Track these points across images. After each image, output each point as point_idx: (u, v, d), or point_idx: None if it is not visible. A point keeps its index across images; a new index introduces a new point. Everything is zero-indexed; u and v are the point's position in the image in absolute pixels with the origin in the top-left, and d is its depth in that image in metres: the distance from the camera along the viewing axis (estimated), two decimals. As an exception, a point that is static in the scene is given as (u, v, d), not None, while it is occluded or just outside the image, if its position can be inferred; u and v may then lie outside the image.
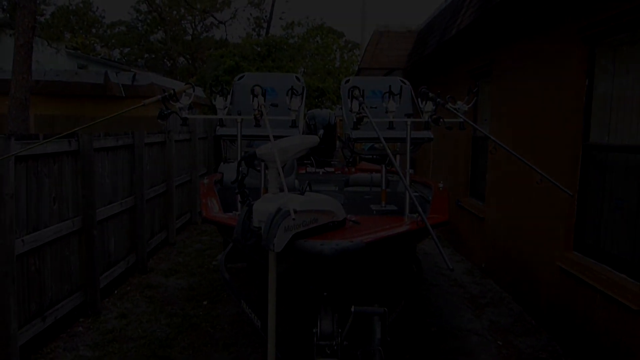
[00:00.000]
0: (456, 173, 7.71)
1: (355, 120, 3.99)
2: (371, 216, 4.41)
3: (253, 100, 3.90)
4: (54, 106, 9.94)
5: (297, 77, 5.17)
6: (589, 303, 4.05)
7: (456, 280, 6.19)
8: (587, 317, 4.08)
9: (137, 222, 6.21)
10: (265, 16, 28.39)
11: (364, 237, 2.96)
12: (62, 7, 20.00)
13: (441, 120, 3.95)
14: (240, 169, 3.33)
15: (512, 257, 5.64)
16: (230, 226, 3.42)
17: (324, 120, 7.85)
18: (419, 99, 4.21)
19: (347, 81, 5.17)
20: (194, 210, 9.11)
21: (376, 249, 3.09)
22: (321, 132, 7.46)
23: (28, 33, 6.93)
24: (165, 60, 30.87)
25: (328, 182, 6.29)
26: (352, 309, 2.82)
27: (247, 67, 17.22)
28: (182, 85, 4.29)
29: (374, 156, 5.53)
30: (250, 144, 5.09)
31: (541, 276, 4.89)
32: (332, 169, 7.09)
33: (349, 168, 7.01)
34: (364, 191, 5.68)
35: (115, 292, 5.58)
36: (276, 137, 3.24)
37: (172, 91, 4.02)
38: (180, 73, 28.12)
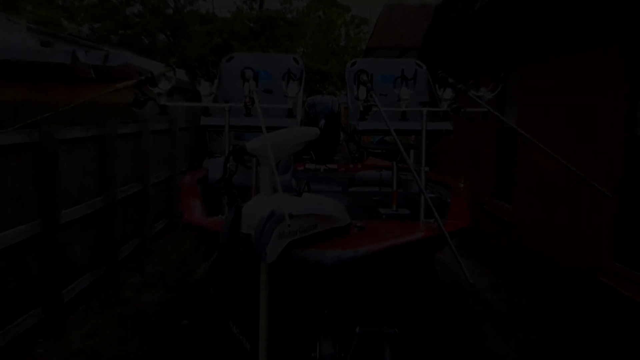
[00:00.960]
0: (479, 171, 7.70)
1: (362, 109, 3.98)
2: (380, 221, 4.41)
3: (243, 85, 3.89)
4: (12, 90, 9.92)
5: (295, 59, 5.17)
6: (634, 322, 4.04)
7: (479, 296, 6.19)
8: (633, 339, 4.06)
9: (107, 226, 6.21)
10: (259, -14, 28.41)
11: (371, 245, 2.96)
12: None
13: (462, 110, 3.95)
14: (228, 165, 3.32)
15: (545, 269, 5.63)
16: (215, 232, 3.42)
17: (325, 109, 7.83)
18: (437, 85, 4.20)
19: (354, 64, 5.17)
20: (173, 212, 9.11)
21: (385, 259, 3.08)
22: (322, 122, 7.45)
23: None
24: (142, 37, 30.86)
25: (330, 181, 6.28)
26: (357, 330, 2.82)
27: (237, 46, 17.23)
28: (162, 67, 4.28)
29: (384, 151, 5.52)
30: (240, 137, 5.08)
31: (579, 291, 4.88)
32: (335, 166, 7.09)
33: (354, 165, 7.00)
34: (372, 192, 5.67)
35: (81, 308, 5.58)
36: (270, 129, 3.23)
37: (149, 74, 4.01)
38: (159, 52, 28.13)
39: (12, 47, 10.79)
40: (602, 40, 4.70)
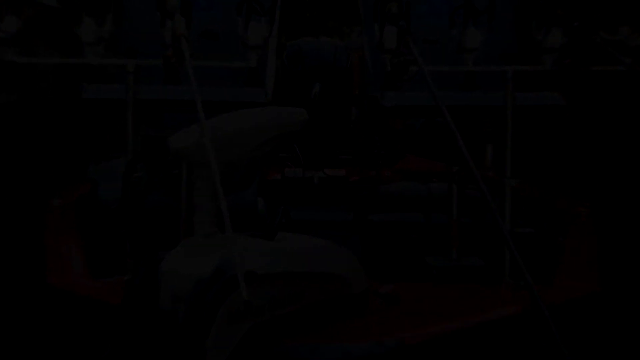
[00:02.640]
0: (620, 181, 7.73)
1: (390, 68, 4.00)
2: (427, 283, 4.42)
3: (163, 26, 3.92)
4: None
5: None
6: None
7: None
8: None
9: None
10: None
11: (407, 333, 2.98)
12: None
13: (583, 67, 3.97)
14: (134, 176, 3.33)
15: None
16: (107, 306, 3.43)
17: (322, 64, 7.82)
18: (534, 23, 4.23)
19: None
20: (31, 266, 9.13)
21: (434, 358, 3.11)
22: (317, 88, 7.45)
23: None
24: None
25: (331, 203, 6.29)
26: None
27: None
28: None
29: (433, 144, 5.56)
30: (158, 122, 5.10)
31: None
32: (342, 172, 7.08)
33: (378, 170, 7.01)
34: (412, 222, 5.69)
35: None
36: (211, 108, 3.24)
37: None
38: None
39: None
40: None
